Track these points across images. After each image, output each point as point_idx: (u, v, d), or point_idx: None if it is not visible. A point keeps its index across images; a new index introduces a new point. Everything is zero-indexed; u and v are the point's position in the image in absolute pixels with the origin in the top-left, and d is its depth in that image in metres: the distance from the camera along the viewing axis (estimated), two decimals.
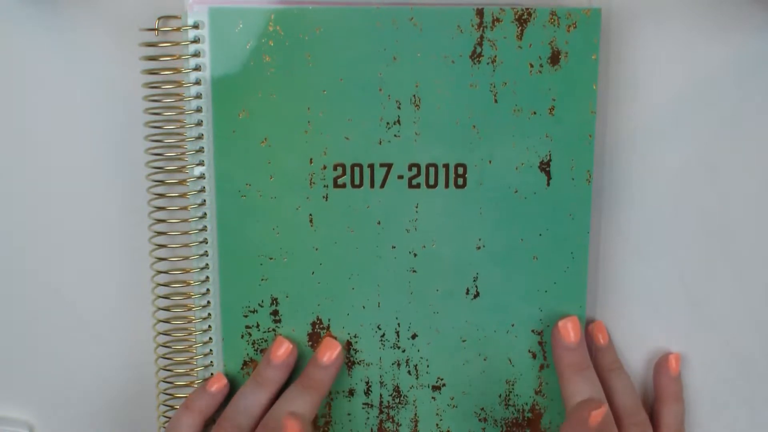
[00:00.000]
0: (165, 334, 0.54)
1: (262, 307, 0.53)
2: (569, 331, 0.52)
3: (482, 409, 0.55)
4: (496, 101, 0.51)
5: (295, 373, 0.54)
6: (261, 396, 0.52)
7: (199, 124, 0.51)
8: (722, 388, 0.57)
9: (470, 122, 0.51)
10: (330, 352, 0.53)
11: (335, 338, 0.54)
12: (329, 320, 0.54)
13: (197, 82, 0.51)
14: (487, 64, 0.50)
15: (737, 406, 0.57)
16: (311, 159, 0.51)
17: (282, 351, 0.53)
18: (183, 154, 0.52)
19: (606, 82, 0.53)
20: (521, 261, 0.53)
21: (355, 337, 0.54)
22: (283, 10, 0.50)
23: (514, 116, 0.51)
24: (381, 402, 0.55)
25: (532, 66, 0.51)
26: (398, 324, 0.54)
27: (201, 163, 0.52)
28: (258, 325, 0.54)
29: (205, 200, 0.52)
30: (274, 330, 0.54)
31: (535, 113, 0.51)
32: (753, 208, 0.55)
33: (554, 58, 0.50)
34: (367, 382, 0.55)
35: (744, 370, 0.56)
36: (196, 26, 0.50)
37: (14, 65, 0.52)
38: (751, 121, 0.54)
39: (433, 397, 0.55)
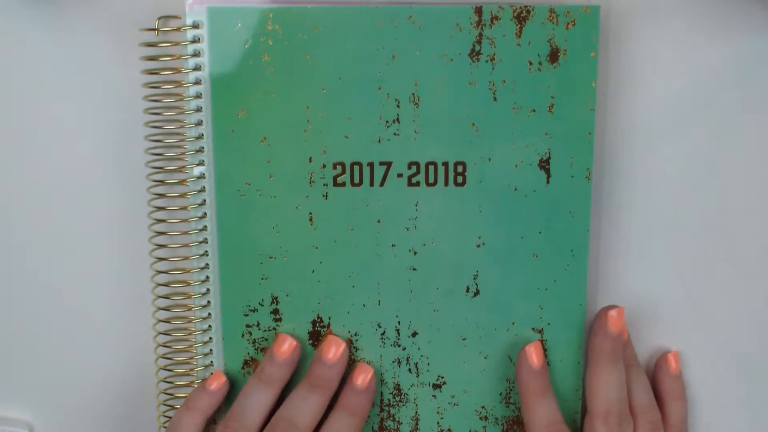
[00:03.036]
0: (165, 334, 0.54)
1: (262, 306, 0.53)
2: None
3: (483, 407, 0.55)
4: (495, 99, 0.51)
5: (299, 372, 0.54)
6: (266, 394, 0.52)
7: (199, 123, 0.51)
8: (722, 388, 0.57)
9: (469, 120, 0.51)
10: (335, 349, 0.53)
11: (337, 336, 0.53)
12: (329, 319, 0.54)
13: (197, 82, 0.51)
14: (486, 62, 0.51)
15: (737, 406, 0.57)
16: (311, 158, 0.52)
17: (285, 347, 0.52)
18: (183, 154, 0.52)
19: (605, 80, 0.53)
20: (521, 259, 0.53)
21: (355, 335, 0.54)
22: (281, 9, 0.50)
23: (513, 114, 0.51)
24: (381, 400, 0.55)
25: (531, 64, 0.51)
26: (398, 322, 0.54)
27: (201, 163, 0.52)
28: (258, 324, 0.54)
29: (205, 200, 0.52)
30: (274, 329, 0.54)
31: (534, 111, 0.51)
32: (753, 208, 0.55)
33: (553, 56, 0.51)
34: None
35: (744, 370, 0.56)
36: (195, 26, 0.50)
37: (14, 65, 0.52)
38: (751, 121, 0.54)
39: (433, 396, 0.55)
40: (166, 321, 0.54)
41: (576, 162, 0.52)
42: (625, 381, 0.52)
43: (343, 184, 0.52)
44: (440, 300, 0.54)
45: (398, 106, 0.51)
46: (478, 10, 0.50)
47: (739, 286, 0.56)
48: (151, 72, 0.51)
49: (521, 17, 0.50)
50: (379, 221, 0.52)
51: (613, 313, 0.53)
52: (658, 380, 0.56)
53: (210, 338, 0.54)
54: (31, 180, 0.54)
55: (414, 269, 0.53)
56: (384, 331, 0.54)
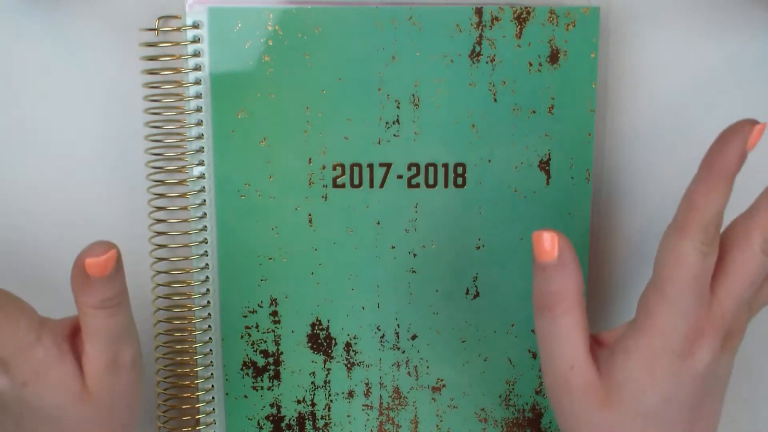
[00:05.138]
0: (165, 334, 0.54)
1: (261, 307, 0.53)
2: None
3: (482, 409, 0.55)
4: (495, 100, 0.51)
5: None
6: None
7: (199, 124, 0.51)
8: None
9: (469, 121, 0.51)
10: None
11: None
12: (328, 321, 0.54)
13: (197, 82, 0.51)
14: (486, 63, 0.51)
15: (737, 406, 0.57)
16: (310, 159, 0.52)
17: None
18: (183, 154, 0.52)
19: (605, 81, 0.53)
20: (521, 260, 0.53)
21: (354, 338, 0.54)
22: (282, 9, 0.50)
23: (513, 115, 0.51)
24: (381, 403, 0.55)
25: (531, 65, 0.51)
26: (398, 325, 0.54)
27: (201, 163, 0.52)
28: (257, 326, 0.53)
29: (205, 200, 0.52)
30: (273, 331, 0.53)
31: (534, 112, 0.51)
32: None
33: (553, 57, 0.50)
34: (367, 384, 0.55)
35: (744, 370, 0.56)
36: (195, 26, 0.50)
37: (14, 65, 0.52)
38: None
39: (433, 398, 0.55)
40: (167, 321, 0.54)
41: (576, 163, 0.52)
42: (725, 203, 0.42)
43: (343, 186, 0.52)
44: (440, 302, 0.53)
45: (398, 107, 0.51)
46: (479, 11, 0.50)
47: None
48: (151, 72, 0.51)
49: (521, 18, 0.50)
50: (378, 223, 0.52)
51: (758, 127, 0.41)
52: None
53: (210, 338, 0.54)
54: (30, 180, 0.54)
55: (413, 271, 0.53)
56: (383, 334, 0.54)
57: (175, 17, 0.51)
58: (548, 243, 0.42)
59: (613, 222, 0.54)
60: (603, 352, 0.45)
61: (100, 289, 0.44)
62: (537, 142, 0.51)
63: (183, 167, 0.52)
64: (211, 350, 0.54)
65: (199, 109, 0.51)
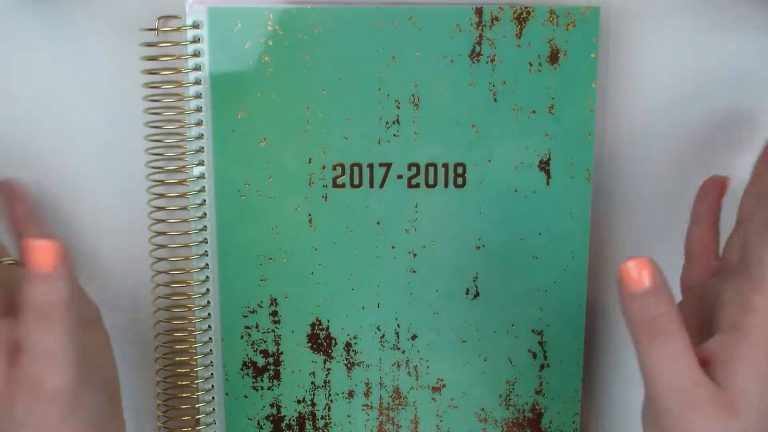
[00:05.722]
0: (165, 334, 0.54)
1: (261, 307, 0.53)
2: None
3: (482, 409, 0.55)
4: (495, 100, 0.51)
5: None
6: None
7: (199, 124, 0.51)
8: None
9: (469, 121, 0.51)
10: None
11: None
12: (328, 321, 0.54)
13: (197, 82, 0.51)
14: (486, 63, 0.50)
15: None
16: (310, 159, 0.51)
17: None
18: (183, 154, 0.52)
19: (605, 81, 0.53)
20: (521, 260, 0.53)
21: (354, 338, 0.54)
22: (282, 9, 0.50)
23: (513, 115, 0.51)
24: (381, 403, 0.55)
25: (531, 65, 0.51)
26: (398, 325, 0.54)
27: (201, 163, 0.52)
28: (257, 326, 0.53)
29: (205, 200, 0.52)
30: (273, 331, 0.53)
31: (534, 112, 0.51)
32: None
33: (553, 57, 0.50)
34: (367, 384, 0.55)
35: None
36: (195, 26, 0.50)
37: (14, 65, 0.52)
38: (750, 121, 0.54)
39: (433, 398, 0.55)
40: (166, 321, 0.54)
41: (576, 163, 0.52)
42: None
43: (343, 186, 0.52)
44: (440, 302, 0.53)
45: (398, 107, 0.51)
46: (479, 11, 0.50)
47: None
48: (151, 72, 0.51)
49: (521, 18, 0.50)
50: (378, 223, 0.52)
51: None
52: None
53: (210, 338, 0.54)
54: (31, 180, 0.54)
55: (413, 271, 0.53)
56: (383, 334, 0.54)
57: (175, 17, 0.51)
58: (635, 272, 0.43)
59: (613, 222, 0.54)
60: (711, 365, 0.43)
61: (35, 284, 0.42)
62: (537, 142, 0.51)
63: (183, 167, 0.52)
64: (211, 350, 0.54)
65: (199, 109, 0.51)
